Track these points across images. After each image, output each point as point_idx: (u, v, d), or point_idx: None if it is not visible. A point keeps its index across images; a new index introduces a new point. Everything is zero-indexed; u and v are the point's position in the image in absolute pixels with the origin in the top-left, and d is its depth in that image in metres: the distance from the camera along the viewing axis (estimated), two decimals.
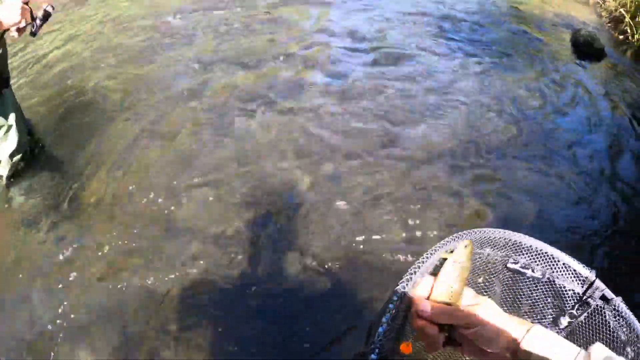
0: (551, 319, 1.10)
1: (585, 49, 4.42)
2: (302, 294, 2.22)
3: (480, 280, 0.97)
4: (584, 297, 0.98)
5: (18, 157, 2.69)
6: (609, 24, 5.06)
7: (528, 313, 1.10)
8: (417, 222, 2.52)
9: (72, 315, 2.12)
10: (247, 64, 3.74)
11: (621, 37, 4.83)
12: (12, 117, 2.60)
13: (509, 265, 0.97)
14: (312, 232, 2.45)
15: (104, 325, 2.08)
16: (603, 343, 1.08)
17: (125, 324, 2.09)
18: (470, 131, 3.23)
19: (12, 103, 2.64)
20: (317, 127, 3.12)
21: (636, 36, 4.62)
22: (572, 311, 1.03)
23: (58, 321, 2.08)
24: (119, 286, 2.20)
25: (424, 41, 4.28)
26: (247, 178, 2.73)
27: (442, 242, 0.95)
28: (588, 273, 0.94)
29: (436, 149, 3.04)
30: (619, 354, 1.05)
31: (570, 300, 1.00)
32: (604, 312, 0.99)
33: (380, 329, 0.78)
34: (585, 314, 1.03)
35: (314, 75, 3.67)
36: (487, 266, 0.98)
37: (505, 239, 0.92)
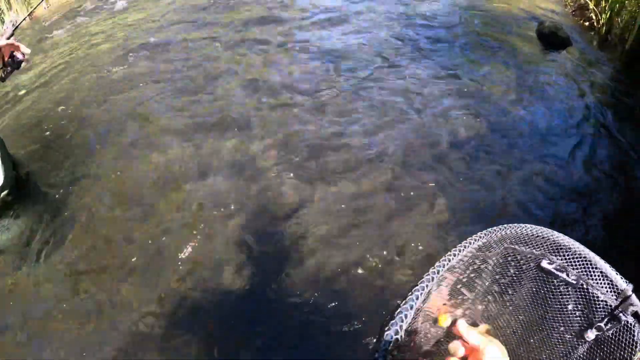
0: (577, 330, 1.08)
1: (551, 39, 4.50)
2: (306, 305, 2.20)
3: (510, 272, 0.96)
4: (615, 312, 0.96)
5: (5, 192, 2.73)
6: (574, 12, 5.17)
7: (554, 319, 1.08)
8: (409, 231, 2.50)
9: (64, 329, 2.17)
10: (225, 87, 3.78)
11: (587, 24, 4.92)
12: None
13: (543, 264, 0.95)
14: (309, 244, 2.44)
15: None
16: None
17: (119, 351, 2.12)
18: (443, 134, 3.25)
19: None
20: (300, 143, 3.13)
21: (601, 21, 4.65)
22: (600, 324, 1.01)
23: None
24: (115, 318, 2.24)
25: (390, 48, 4.29)
26: (241, 195, 2.74)
27: (472, 237, 0.95)
28: (625, 286, 0.91)
29: (415, 155, 3.06)
30: None
31: (600, 311, 0.98)
32: (634, 331, 0.96)
33: (387, 336, 0.76)
34: (614, 330, 1.01)
35: (289, 93, 3.69)
36: (519, 262, 0.97)
37: (543, 237, 0.91)
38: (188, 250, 2.55)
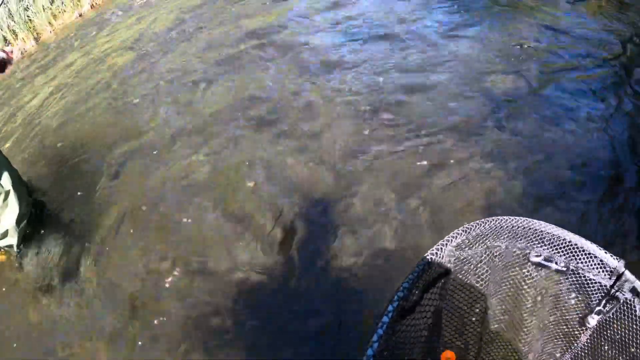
0: (577, 318, 1.02)
1: None
2: (327, 294, 2.16)
3: (498, 277, 0.89)
4: (612, 291, 0.91)
5: (24, 222, 2.61)
6: None
7: (551, 311, 1.02)
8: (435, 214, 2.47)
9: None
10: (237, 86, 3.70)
11: None
12: (7, 181, 2.48)
13: (532, 259, 0.89)
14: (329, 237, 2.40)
15: None
16: (633, 342, 1.00)
17: None
18: (469, 92, 3.23)
19: (5, 166, 2.51)
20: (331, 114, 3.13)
21: None
22: (599, 308, 0.95)
23: None
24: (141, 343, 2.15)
25: (413, 11, 4.35)
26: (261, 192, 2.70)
27: (452, 234, 0.88)
28: (616, 263, 0.86)
29: (445, 117, 3.02)
30: None
31: (596, 294, 0.92)
32: (635, 307, 0.91)
33: (379, 330, 0.74)
34: (614, 310, 0.96)
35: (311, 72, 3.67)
36: (504, 260, 0.91)
37: (523, 227, 0.85)
38: (215, 266, 2.40)
